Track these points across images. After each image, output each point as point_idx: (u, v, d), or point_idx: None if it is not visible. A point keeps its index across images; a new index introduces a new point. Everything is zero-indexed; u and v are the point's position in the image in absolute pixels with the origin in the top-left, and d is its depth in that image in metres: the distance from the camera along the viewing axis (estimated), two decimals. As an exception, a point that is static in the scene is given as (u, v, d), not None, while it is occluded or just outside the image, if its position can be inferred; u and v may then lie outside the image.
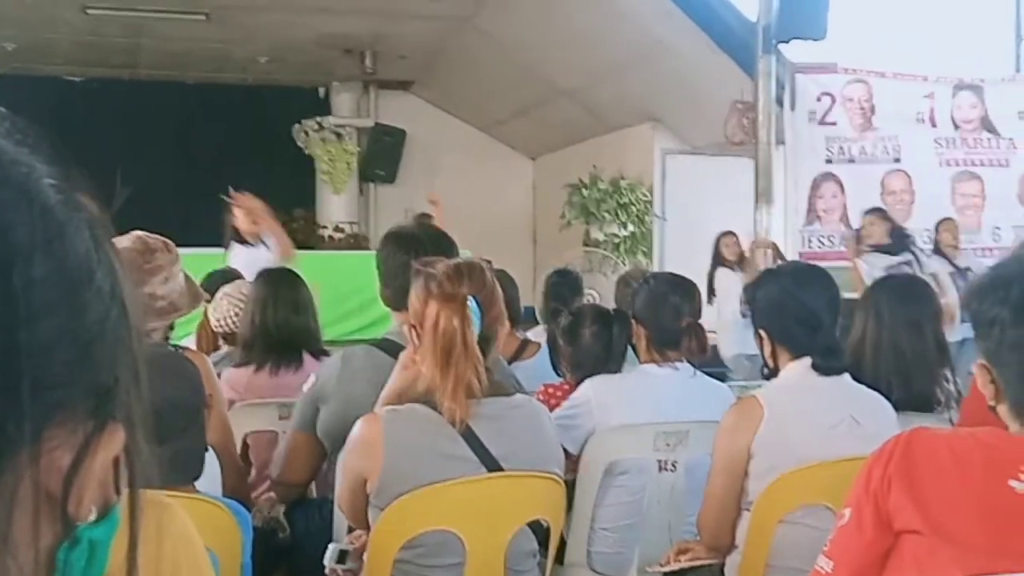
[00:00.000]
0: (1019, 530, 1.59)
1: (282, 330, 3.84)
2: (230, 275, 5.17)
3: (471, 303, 2.35)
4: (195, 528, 1.35)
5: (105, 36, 11.72)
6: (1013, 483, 1.59)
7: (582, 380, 3.44)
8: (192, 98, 13.77)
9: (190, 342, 4.39)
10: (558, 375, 3.79)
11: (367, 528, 2.56)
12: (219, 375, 3.60)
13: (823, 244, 9.05)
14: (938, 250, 8.37)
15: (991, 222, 9.30)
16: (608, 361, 3.54)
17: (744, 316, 8.08)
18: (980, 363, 1.72)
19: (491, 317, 2.43)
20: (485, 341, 2.42)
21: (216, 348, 4.45)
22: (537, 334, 5.02)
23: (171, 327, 3.35)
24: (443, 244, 3.02)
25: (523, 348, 4.52)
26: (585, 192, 11.62)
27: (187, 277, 3.32)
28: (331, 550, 2.62)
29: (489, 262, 2.64)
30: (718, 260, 8.68)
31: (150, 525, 1.30)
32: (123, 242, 3.18)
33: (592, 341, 3.59)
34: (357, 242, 13.78)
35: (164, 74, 13.39)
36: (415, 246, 2.96)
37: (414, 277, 2.48)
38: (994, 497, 1.60)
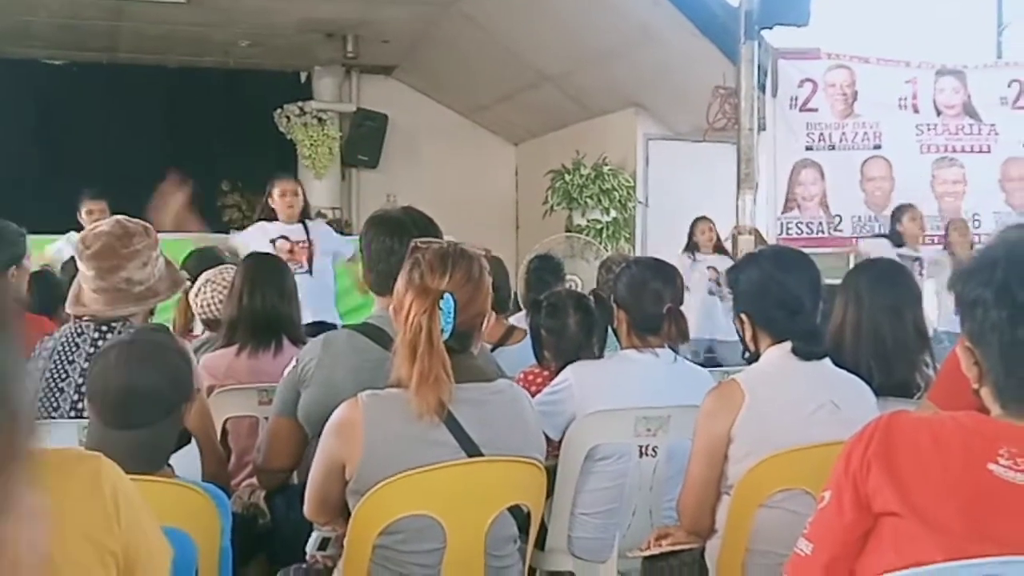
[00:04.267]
0: (997, 513, 1.60)
1: (269, 314, 3.85)
2: (207, 256, 5.13)
3: (446, 300, 2.34)
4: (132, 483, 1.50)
5: (85, 19, 11.61)
6: (992, 467, 1.60)
7: (562, 366, 3.44)
8: (173, 82, 13.65)
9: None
10: (539, 361, 3.79)
11: (327, 521, 2.56)
12: (198, 360, 3.59)
13: (801, 231, 9.07)
14: (948, 249, 8.39)
15: (971, 209, 9.30)
16: (590, 346, 3.55)
17: (713, 294, 8.36)
18: (964, 344, 1.73)
19: (471, 313, 2.43)
20: (462, 336, 2.42)
21: (189, 330, 4.44)
22: (519, 320, 5.02)
23: (152, 312, 3.34)
24: (429, 229, 3.00)
25: (508, 334, 4.51)
26: (568, 178, 11.59)
27: (168, 262, 3.30)
28: (314, 537, 2.62)
29: (488, 251, 2.62)
30: (692, 247, 8.88)
31: (86, 473, 1.44)
32: (102, 227, 3.17)
33: (577, 329, 3.60)
34: (339, 227, 13.72)
35: (144, 58, 13.28)
36: (399, 230, 2.95)
37: (408, 257, 2.47)
38: (973, 481, 1.61)
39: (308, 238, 6.68)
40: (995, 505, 1.60)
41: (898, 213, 8.33)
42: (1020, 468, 1.59)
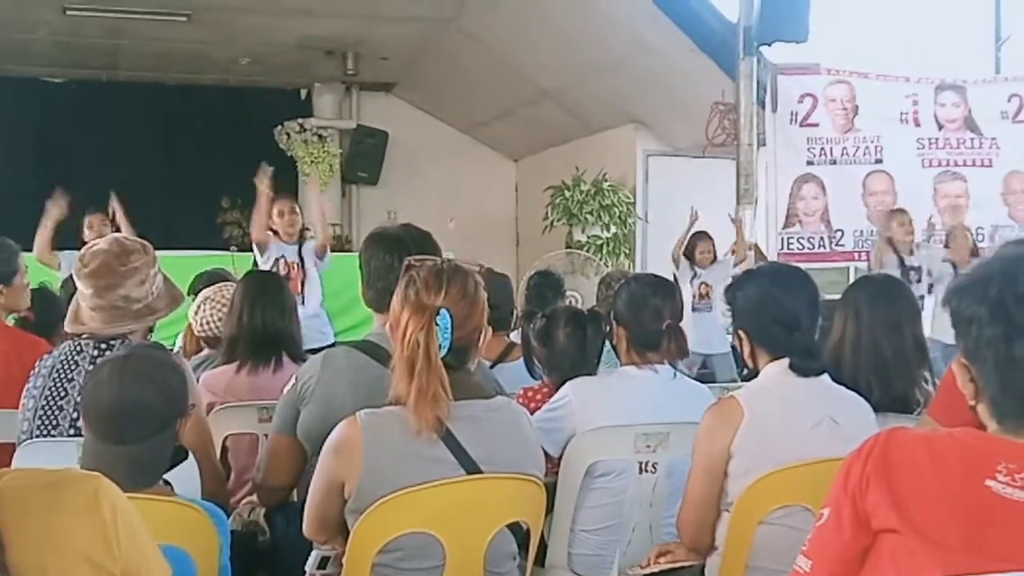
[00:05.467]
0: (996, 530, 1.59)
1: (268, 330, 3.86)
2: (216, 278, 5.15)
3: (443, 316, 2.35)
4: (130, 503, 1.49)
5: (85, 37, 11.65)
6: (990, 483, 1.60)
7: (560, 382, 3.44)
8: (173, 100, 13.71)
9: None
10: (532, 376, 3.80)
11: (326, 539, 2.56)
12: (198, 378, 3.59)
13: (802, 246, 9.07)
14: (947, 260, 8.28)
15: (974, 223, 9.29)
16: (583, 362, 3.54)
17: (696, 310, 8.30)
18: (960, 361, 1.73)
19: (467, 329, 2.44)
20: (460, 352, 2.42)
21: (199, 351, 4.44)
22: (519, 336, 5.01)
23: (151, 329, 3.34)
24: (427, 246, 3.00)
25: (509, 350, 4.51)
26: (568, 194, 11.61)
27: (166, 279, 3.30)
28: (313, 556, 2.62)
29: (482, 266, 2.63)
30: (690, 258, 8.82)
31: (85, 494, 1.42)
32: (100, 245, 3.17)
33: (566, 343, 3.60)
34: (340, 244, 13.74)
35: (144, 76, 13.33)
36: (399, 247, 2.95)
37: (402, 275, 2.48)
38: (971, 497, 1.61)
39: (300, 259, 7.14)
40: (993, 521, 1.59)
41: (887, 219, 8.31)
42: (1018, 484, 1.59)
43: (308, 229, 8.26)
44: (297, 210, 7.33)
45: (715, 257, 8.85)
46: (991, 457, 1.62)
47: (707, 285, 8.61)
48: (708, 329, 8.32)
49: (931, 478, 1.64)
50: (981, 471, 1.61)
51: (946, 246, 8.55)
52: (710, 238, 8.96)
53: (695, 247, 8.92)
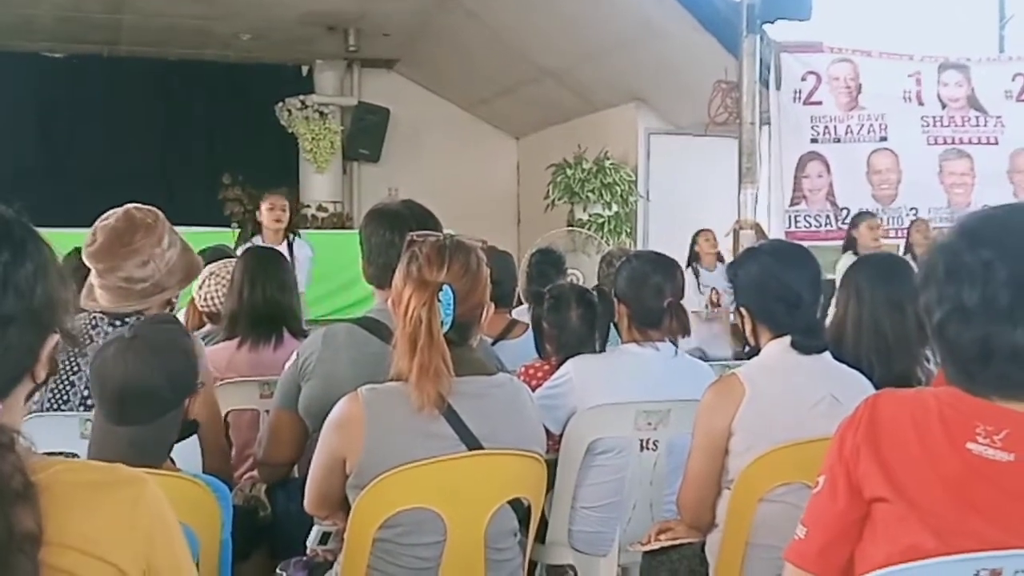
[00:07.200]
0: (982, 491, 1.61)
1: (269, 305, 3.86)
2: (218, 254, 5.13)
3: (445, 292, 2.34)
4: (170, 504, 1.41)
5: (86, 12, 11.61)
6: (971, 446, 1.62)
7: (564, 360, 3.44)
8: (173, 75, 13.67)
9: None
10: (541, 355, 3.79)
11: (327, 515, 2.56)
12: (199, 354, 3.57)
13: (809, 224, 9.06)
14: (909, 249, 8.27)
15: (981, 200, 9.26)
16: (591, 340, 3.55)
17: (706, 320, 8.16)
18: None
19: (470, 305, 2.43)
20: (462, 328, 2.42)
21: (201, 326, 4.43)
22: (521, 313, 5.01)
23: (170, 302, 3.27)
24: (428, 222, 3.00)
25: (510, 328, 4.50)
26: (569, 172, 11.58)
27: (184, 249, 3.24)
28: (315, 532, 2.62)
29: (484, 242, 2.62)
30: (694, 258, 8.79)
31: (126, 500, 1.35)
32: (110, 220, 3.12)
33: (579, 323, 3.59)
34: (341, 221, 13.72)
35: (145, 51, 13.27)
36: (399, 223, 2.94)
37: (404, 251, 2.47)
38: (955, 461, 1.63)
39: (291, 259, 6.92)
40: (978, 483, 1.62)
41: (856, 220, 8.29)
42: (997, 445, 1.61)
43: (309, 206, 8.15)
44: (287, 208, 7.27)
45: (720, 255, 8.78)
46: (970, 420, 1.64)
47: (717, 292, 8.45)
48: (714, 337, 8.16)
49: (915, 444, 1.67)
50: (961, 434, 1.64)
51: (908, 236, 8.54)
52: (710, 231, 8.93)
53: (696, 244, 8.86)
